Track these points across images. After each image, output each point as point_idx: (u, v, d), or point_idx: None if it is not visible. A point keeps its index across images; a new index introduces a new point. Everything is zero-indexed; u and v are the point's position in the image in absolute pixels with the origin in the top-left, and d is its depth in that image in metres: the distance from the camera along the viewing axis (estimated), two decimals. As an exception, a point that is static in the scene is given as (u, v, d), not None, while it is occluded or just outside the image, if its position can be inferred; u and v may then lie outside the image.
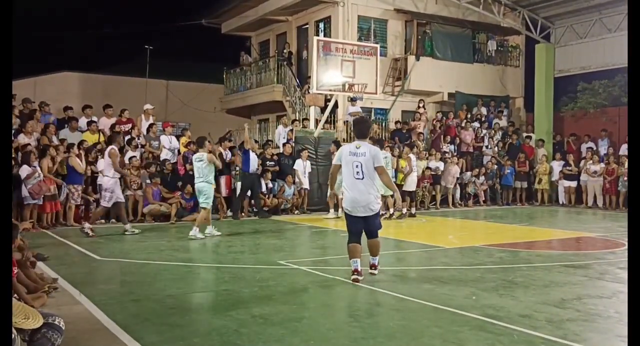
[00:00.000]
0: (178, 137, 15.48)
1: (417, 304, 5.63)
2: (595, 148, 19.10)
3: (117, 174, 10.82)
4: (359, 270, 6.60)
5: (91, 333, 4.72)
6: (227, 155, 14.92)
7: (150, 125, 15.08)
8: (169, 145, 14.73)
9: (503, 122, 20.86)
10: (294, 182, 15.15)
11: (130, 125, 15.02)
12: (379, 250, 6.94)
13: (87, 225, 10.76)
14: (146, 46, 24.37)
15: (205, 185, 10.58)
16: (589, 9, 20.76)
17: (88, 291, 6.06)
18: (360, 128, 6.97)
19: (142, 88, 22.48)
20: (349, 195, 6.70)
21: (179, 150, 14.99)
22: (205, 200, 10.57)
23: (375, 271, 6.96)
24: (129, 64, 26.05)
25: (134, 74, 23.89)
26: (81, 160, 12.60)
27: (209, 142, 11.42)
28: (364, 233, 6.82)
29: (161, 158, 14.30)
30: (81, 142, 13.19)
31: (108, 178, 10.79)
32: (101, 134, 14.19)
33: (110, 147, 10.90)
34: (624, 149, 17.58)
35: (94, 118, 14.66)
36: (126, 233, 10.86)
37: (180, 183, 13.78)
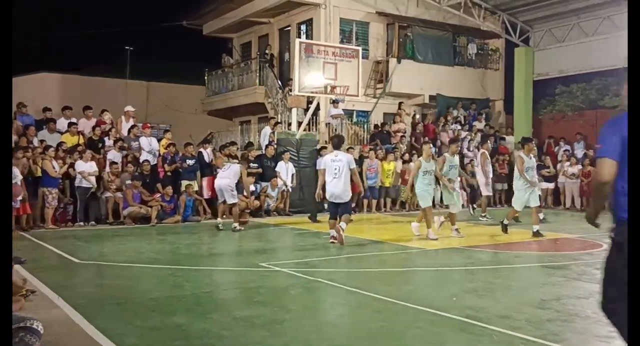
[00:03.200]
0: (159, 139, 15.39)
1: (398, 305, 5.66)
2: (571, 151, 19.40)
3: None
4: (335, 236, 9.66)
5: (70, 337, 4.67)
6: (209, 156, 14.86)
7: (132, 127, 14.94)
8: (148, 148, 14.60)
9: (481, 125, 21.07)
10: (277, 185, 15.12)
11: (107, 126, 14.87)
12: (347, 220, 9.83)
13: (235, 224, 11.71)
14: (126, 47, 24.17)
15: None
16: (567, 13, 21.10)
17: (67, 294, 5.99)
18: (336, 142, 10.23)
19: (122, 89, 22.30)
20: (328, 188, 9.78)
21: (159, 152, 14.88)
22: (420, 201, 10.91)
23: (342, 228, 9.60)
24: (109, 65, 25.82)
25: (114, 75, 23.66)
26: (59, 162, 12.46)
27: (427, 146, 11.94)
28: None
29: (140, 160, 14.17)
30: (60, 144, 13.04)
31: (228, 179, 11.90)
32: (81, 136, 14.04)
33: (240, 165, 12.40)
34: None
35: (74, 120, 14.51)
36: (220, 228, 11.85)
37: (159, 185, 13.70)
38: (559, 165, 18.48)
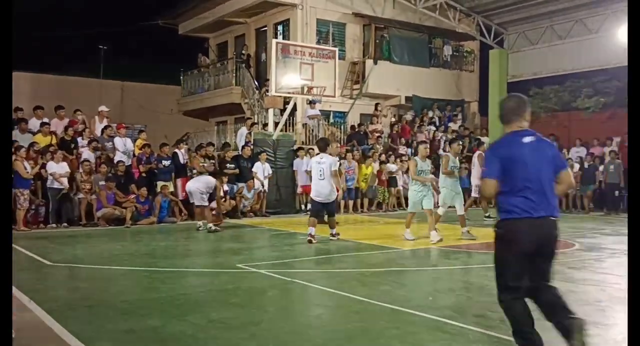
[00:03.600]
0: (134, 140, 15.22)
1: (376, 306, 5.67)
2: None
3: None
4: (314, 235, 9.95)
5: (42, 341, 4.58)
6: (184, 157, 14.73)
7: (105, 127, 14.73)
8: (123, 148, 14.41)
9: (456, 126, 21.27)
10: (254, 186, 15.06)
11: (80, 126, 14.65)
12: (335, 225, 10.48)
13: (210, 225, 11.75)
14: (100, 46, 23.87)
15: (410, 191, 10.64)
16: (540, 16, 21.44)
17: (39, 297, 5.87)
18: (322, 145, 10.66)
19: (96, 89, 22.01)
20: (316, 189, 10.26)
21: (133, 153, 14.70)
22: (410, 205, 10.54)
23: (335, 238, 10.31)
24: (83, 64, 25.45)
25: (87, 75, 23.32)
26: (30, 163, 12.23)
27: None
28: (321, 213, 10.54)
29: (115, 161, 13.98)
30: (32, 144, 12.80)
31: (196, 182, 12.31)
32: (53, 136, 13.79)
33: (217, 181, 12.47)
34: (572, 153, 18.15)
35: (46, 120, 14.25)
36: (200, 229, 11.97)
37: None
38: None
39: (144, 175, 14.00)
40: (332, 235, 10.37)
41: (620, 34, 17.95)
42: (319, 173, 10.21)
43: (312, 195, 10.48)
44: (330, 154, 10.55)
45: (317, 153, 11.00)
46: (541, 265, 4.08)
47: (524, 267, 4.04)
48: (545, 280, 4.14)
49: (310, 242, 9.85)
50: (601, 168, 16.75)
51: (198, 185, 12.11)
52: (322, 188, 10.18)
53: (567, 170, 4.21)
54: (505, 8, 21.51)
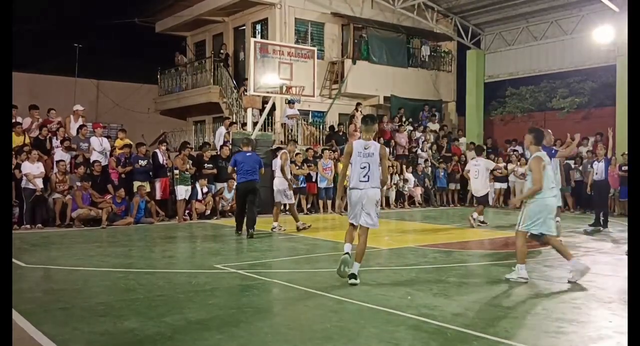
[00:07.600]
0: (109, 138, 15.04)
1: (354, 305, 5.68)
2: (522, 151, 19.88)
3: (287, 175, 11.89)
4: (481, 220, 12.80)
5: (16, 344, 4.49)
6: (163, 157, 14.58)
7: (81, 127, 14.51)
8: (99, 148, 14.23)
9: (435, 126, 21.41)
10: (233, 186, 14.97)
11: (55, 125, 14.41)
12: (481, 211, 12.92)
13: (275, 223, 11.88)
14: (75, 44, 23.52)
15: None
16: (516, 17, 21.71)
17: (13, 300, 5.75)
18: (477, 151, 13.34)
19: (71, 88, 21.68)
20: (473, 187, 13.01)
21: (110, 152, 14.51)
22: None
23: (476, 223, 12.61)
24: (57, 62, 25.01)
25: (62, 73, 22.95)
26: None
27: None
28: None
29: (91, 161, 13.79)
30: (5, 144, 12.54)
31: (279, 179, 11.90)
32: (27, 136, 13.56)
33: (282, 151, 12.24)
34: (547, 152, 18.39)
35: (19, 119, 14.00)
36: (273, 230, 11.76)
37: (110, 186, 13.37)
38: (509, 166, 18.97)
39: (123, 176, 13.85)
40: (473, 218, 12.46)
41: (595, 35, 18.24)
42: (475, 174, 12.59)
43: (472, 191, 13.56)
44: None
45: (472, 158, 13.47)
46: (249, 199, 10.69)
47: (244, 201, 10.73)
48: (251, 204, 10.70)
49: (474, 225, 12.31)
50: (580, 167, 17.00)
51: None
52: (477, 185, 12.67)
53: (262, 167, 11.19)
54: (482, 9, 21.74)
